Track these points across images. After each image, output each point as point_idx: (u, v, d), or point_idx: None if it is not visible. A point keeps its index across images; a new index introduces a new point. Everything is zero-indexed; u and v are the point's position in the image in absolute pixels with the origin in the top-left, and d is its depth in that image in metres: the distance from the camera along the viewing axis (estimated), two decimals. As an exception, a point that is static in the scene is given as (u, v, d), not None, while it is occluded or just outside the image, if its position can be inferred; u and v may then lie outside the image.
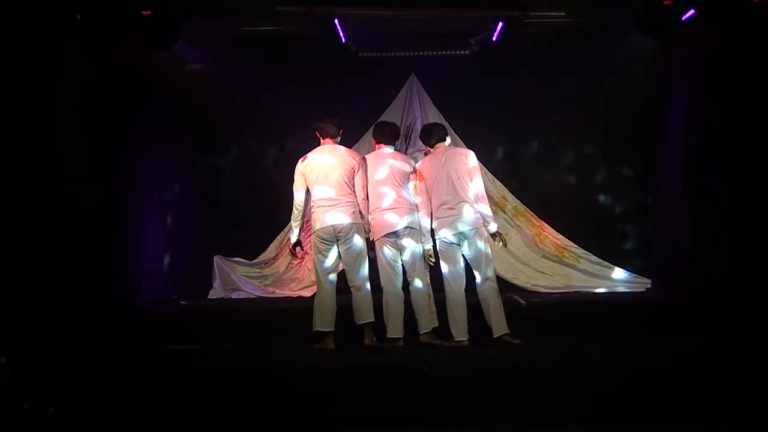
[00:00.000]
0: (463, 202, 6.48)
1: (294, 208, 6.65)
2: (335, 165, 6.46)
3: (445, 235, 6.50)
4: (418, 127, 8.23)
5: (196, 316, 7.26)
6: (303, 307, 7.23)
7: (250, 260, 8.50)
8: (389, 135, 6.81)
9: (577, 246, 8.40)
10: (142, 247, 7.33)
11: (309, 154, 6.60)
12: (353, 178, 6.49)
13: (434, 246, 6.61)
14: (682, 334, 6.61)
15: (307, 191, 6.57)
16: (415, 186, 6.60)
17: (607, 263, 8.35)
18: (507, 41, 7.89)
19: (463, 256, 6.54)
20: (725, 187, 6.48)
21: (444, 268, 6.55)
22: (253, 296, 8.15)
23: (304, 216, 6.67)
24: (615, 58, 7.99)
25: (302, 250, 6.90)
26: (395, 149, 6.86)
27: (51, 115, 5.91)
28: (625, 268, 8.31)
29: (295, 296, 8.06)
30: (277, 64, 8.47)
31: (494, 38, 7.76)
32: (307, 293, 8.04)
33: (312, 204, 6.57)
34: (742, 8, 5.77)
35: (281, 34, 7.91)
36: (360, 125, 8.10)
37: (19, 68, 5.75)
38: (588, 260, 8.35)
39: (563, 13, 7.34)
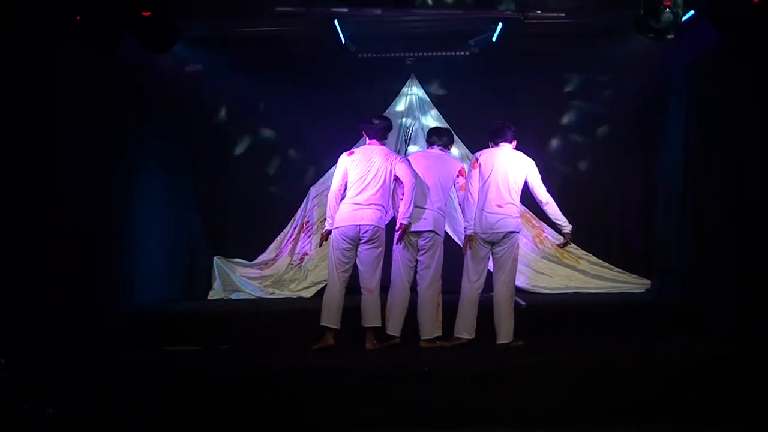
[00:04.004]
0: (511, 204, 6.51)
1: (330, 199, 6.59)
2: (378, 166, 6.48)
3: (486, 230, 6.50)
4: (418, 127, 8.25)
5: (196, 317, 7.24)
6: (303, 308, 7.26)
7: (250, 261, 8.50)
8: (446, 139, 6.88)
9: (576, 247, 8.35)
10: (142, 247, 7.32)
11: (356, 150, 6.66)
12: (392, 180, 6.50)
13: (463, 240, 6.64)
14: (682, 335, 6.62)
15: (345, 185, 6.56)
16: (462, 184, 6.61)
17: (606, 264, 8.33)
18: (507, 42, 7.88)
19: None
20: (725, 188, 6.47)
21: (469, 263, 6.57)
22: (252, 297, 8.15)
23: (338, 207, 6.58)
24: (615, 59, 7.98)
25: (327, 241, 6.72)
26: (445, 150, 6.87)
27: (50, 115, 5.89)
28: (624, 269, 8.30)
29: (294, 297, 8.05)
30: (277, 65, 8.45)
31: (494, 39, 7.76)
32: (306, 294, 8.05)
33: (344, 200, 6.55)
34: (742, 9, 5.77)
35: (281, 34, 7.90)
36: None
37: (19, 69, 5.75)
38: (588, 261, 8.35)
39: (563, 14, 7.33)
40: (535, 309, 7.03)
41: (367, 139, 6.70)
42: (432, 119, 8.30)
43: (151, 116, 7.59)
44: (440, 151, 6.81)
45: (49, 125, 5.86)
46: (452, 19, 7.62)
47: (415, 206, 6.52)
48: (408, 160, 6.66)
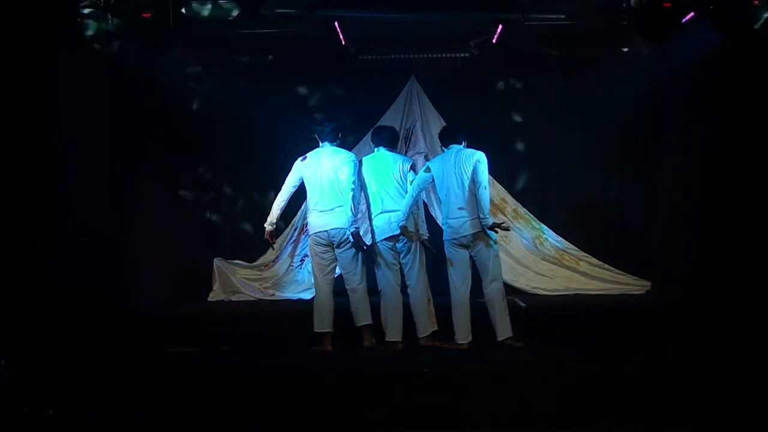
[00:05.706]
0: (473, 203, 6.48)
1: (276, 202, 6.65)
2: (333, 168, 6.48)
3: (454, 236, 6.51)
4: (418, 129, 8.26)
5: (196, 319, 7.24)
6: (302, 309, 7.23)
7: (250, 263, 8.50)
8: (389, 138, 6.85)
9: (576, 248, 8.38)
10: (142, 249, 7.32)
11: (309, 155, 6.63)
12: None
13: (442, 246, 6.61)
14: (681, 337, 6.60)
15: (300, 186, 6.59)
16: (412, 180, 6.60)
17: (607, 266, 8.31)
18: (507, 43, 7.89)
19: (470, 257, 6.56)
20: (726, 190, 6.48)
21: (451, 269, 6.57)
22: (252, 299, 8.14)
23: (282, 209, 6.68)
24: (615, 61, 8.00)
25: (274, 241, 6.92)
26: (396, 152, 6.87)
27: (51, 117, 5.91)
28: (624, 271, 8.29)
29: (294, 299, 8.05)
30: (278, 67, 8.48)
31: (494, 40, 7.77)
32: (307, 295, 8.01)
33: (308, 207, 6.61)
34: (742, 9, 5.78)
35: (281, 36, 7.91)
36: (360, 128, 8.12)
37: (19, 69, 5.76)
38: (588, 263, 8.33)
39: (563, 16, 7.35)
40: (535, 310, 7.04)
41: (320, 141, 6.68)
42: (432, 121, 8.30)
43: (151, 117, 7.59)
44: (387, 151, 6.77)
45: (49, 125, 5.87)
46: (452, 20, 7.63)
47: (384, 211, 6.57)
48: (356, 161, 6.60)
